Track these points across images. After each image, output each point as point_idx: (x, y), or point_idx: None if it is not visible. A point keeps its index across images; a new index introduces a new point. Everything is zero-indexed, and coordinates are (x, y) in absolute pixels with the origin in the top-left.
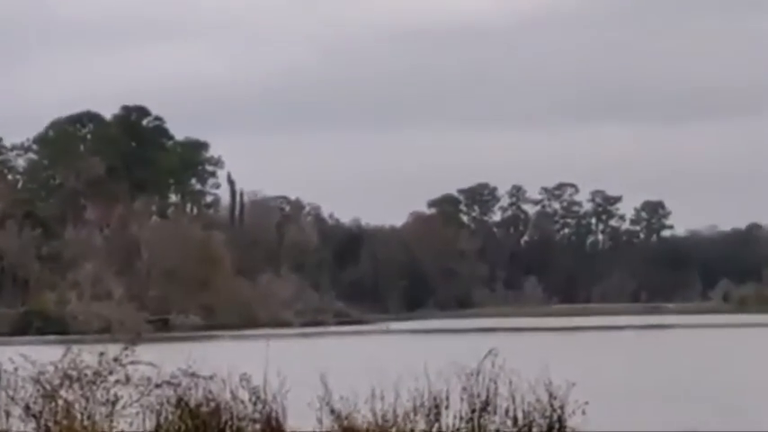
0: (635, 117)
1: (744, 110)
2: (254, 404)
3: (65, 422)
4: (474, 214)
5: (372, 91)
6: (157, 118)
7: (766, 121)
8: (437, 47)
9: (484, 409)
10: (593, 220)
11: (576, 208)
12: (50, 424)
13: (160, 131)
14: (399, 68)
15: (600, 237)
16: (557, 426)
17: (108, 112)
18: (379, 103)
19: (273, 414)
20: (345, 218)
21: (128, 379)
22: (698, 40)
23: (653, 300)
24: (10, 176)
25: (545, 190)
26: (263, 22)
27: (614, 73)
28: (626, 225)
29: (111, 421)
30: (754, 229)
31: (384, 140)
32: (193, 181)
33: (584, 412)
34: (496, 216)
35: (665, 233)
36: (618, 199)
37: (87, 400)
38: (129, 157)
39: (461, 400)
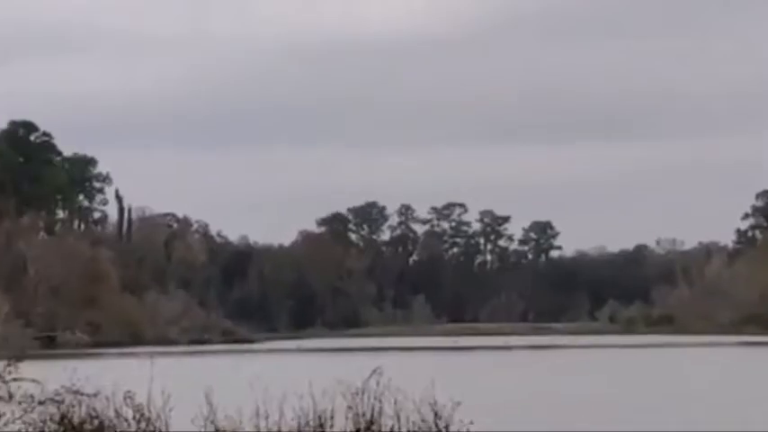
0: (524, 138)
1: (633, 132)
2: (138, 422)
3: None
4: (363, 233)
5: (262, 109)
6: (45, 134)
7: (655, 143)
8: (330, 65)
9: (368, 428)
10: (482, 240)
11: (464, 228)
12: None
13: (48, 147)
14: (290, 86)
15: (488, 257)
16: None
17: None
18: (268, 120)
19: None
20: (233, 236)
21: (10, 396)
22: (592, 63)
23: (541, 320)
24: None
25: (434, 209)
26: (153, 39)
27: (505, 94)
28: (514, 245)
29: None
30: (641, 249)
31: (273, 158)
32: (81, 197)
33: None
34: (385, 235)
35: (554, 253)
36: (506, 219)
37: None
38: (16, 173)
39: (346, 418)
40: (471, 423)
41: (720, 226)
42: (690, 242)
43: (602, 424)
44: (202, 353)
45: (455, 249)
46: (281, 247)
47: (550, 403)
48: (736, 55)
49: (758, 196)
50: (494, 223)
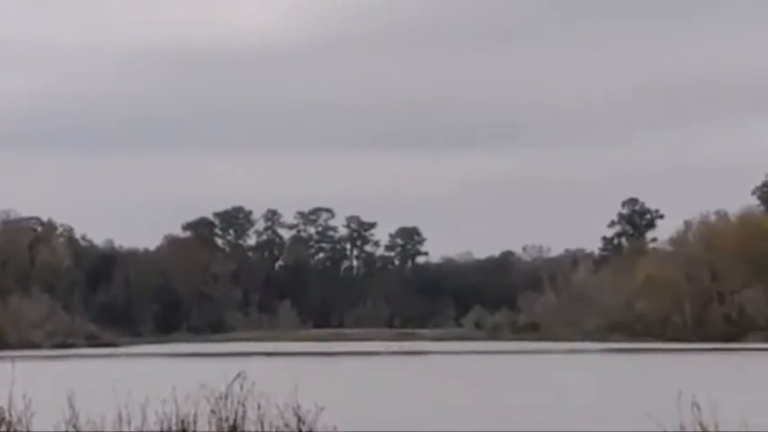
0: (393, 145)
1: (501, 141)
2: None
3: None
4: (229, 238)
5: (128, 114)
6: None
7: (522, 151)
8: (198, 71)
9: None
10: (348, 246)
11: (331, 233)
12: None
13: None
14: (156, 92)
15: (355, 262)
16: None
17: None
18: (134, 126)
19: None
20: (99, 239)
21: None
22: (465, 74)
23: (407, 326)
24: None
25: (300, 214)
26: (28, 38)
27: (375, 102)
28: (380, 251)
29: None
30: (507, 256)
31: (139, 163)
32: None
33: None
34: (251, 240)
35: (420, 260)
36: (373, 225)
37: None
38: None
39: (209, 423)
40: (335, 428)
41: (587, 234)
42: (556, 249)
43: (464, 427)
44: (66, 357)
45: (321, 254)
46: (146, 251)
47: (415, 408)
48: (606, 66)
49: (624, 204)
50: (360, 229)
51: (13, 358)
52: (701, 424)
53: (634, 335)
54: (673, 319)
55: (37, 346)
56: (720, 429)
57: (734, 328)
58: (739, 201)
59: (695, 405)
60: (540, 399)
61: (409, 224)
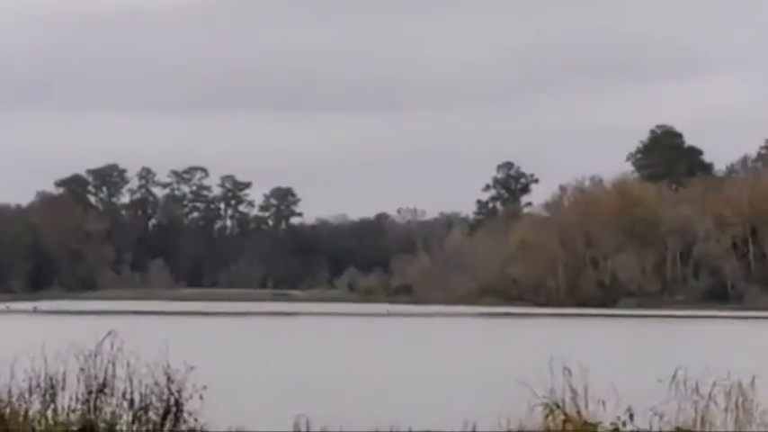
0: (268, 105)
1: (377, 104)
2: None
3: None
4: (102, 196)
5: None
6: None
7: (401, 113)
8: (65, 31)
9: (101, 390)
10: (222, 205)
11: (205, 192)
12: None
13: None
14: (26, 52)
15: (228, 222)
16: (174, 409)
17: None
18: (5, 85)
19: None
20: None
21: None
22: (343, 38)
23: (280, 286)
24: None
25: (174, 173)
26: None
27: (250, 63)
28: (255, 211)
29: None
30: (382, 219)
31: (12, 121)
32: None
33: (201, 397)
34: (125, 198)
35: (294, 220)
36: (247, 185)
37: None
38: None
39: (78, 381)
40: (204, 388)
41: (462, 198)
42: (431, 213)
43: (329, 387)
44: None
45: (195, 214)
46: (17, 207)
47: (286, 369)
48: (488, 32)
49: (499, 168)
50: (235, 188)
51: None
52: (571, 387)
53: (507, 299)
54: (546, 284)
55: None
56: (590, 392)
57: (606, 294)
58: (614, 167)
59: (566, 369)
60: (409, 361)
61: (284, 185)
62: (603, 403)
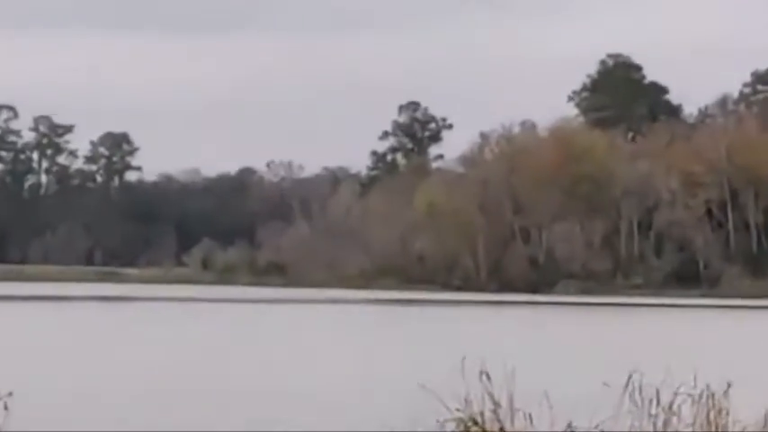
0: (96, 20)
1: (245, 21)
2: None
3: None
4: None
5: None
6: None
7: (271, 35)
8: None
9: None
10: (36, 156)
11: (12, 138)
12: None
13: None
14: None
15: (44, 177)
16: None
17: None
18: None
19: None
20: None
21: None
22: None
23: (111, 263)
24: None
25: None
26: None
27: None
28: (79, 164)
29: None
30: (247, 175)
31: None
32: None
33: (6, 406)
34: None
35: (131, 176)
36: (69, 129)
37: None
38: None
39: None
40: (11, 395)
41: (352, 148)
42: (311, 167)
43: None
44: None
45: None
46: None
47: (109, 371)
48: None
49: (401, 110)
50: (52, 133)
51: None
52: (491, 397)
53: (411, 282)
54: (462, 262)
55: None
56: (515, 403)
57: (541, 276)
58: (553, 110)
59: (484, 373)
60: (274, 363)
61: (117, 130)
62: (531, 418)
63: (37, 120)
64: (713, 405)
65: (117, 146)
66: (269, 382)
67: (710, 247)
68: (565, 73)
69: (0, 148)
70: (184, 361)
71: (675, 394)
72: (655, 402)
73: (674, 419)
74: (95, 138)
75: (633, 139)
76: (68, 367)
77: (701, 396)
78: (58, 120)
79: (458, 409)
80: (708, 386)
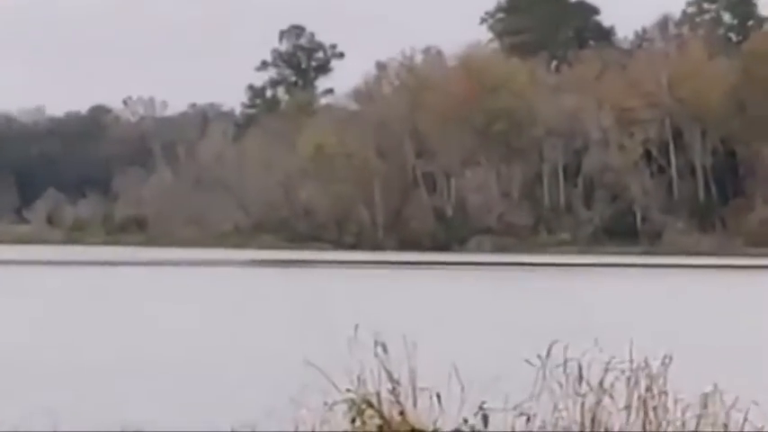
0: None
1: None
2: None
3: None
4: None
5: None
6: None
7: None
8: None
9: None
10: None
11: None
12: None
13: None
14: None
15: None
16: None
17: None
18: None
19: None
20: None
21: None
22: None
23: None
24: None
25: None
26: None
27: None
28: None
29: None
30: (99, 114)
31: None
32: None
33: None
34: None
35: None
36: None
37: None
38: None
39: None
40: None
41: (224, 82)
42: (177, 104)
43: None
44: None
45: None
46: None
47: None
48: None
49: (283, 35)
50: None
51: None
52: (389, 374)
53: (295, 239)
54: (356, 215)
55: None
56: (418, 382)
57: (449, 231)
58: (462, 34)
59: (380, 345)
60: (127, 337)
61: None
62: (440, 397)
63: None
64: (650, 381)
65: None
66: (118, 356)
67: (650, 196)
68: None
69: None
70: (18, 334)
71: (606, 370)
72: (582, 380)
73: (606, 399)
74: None
75: (557, 68)
76: None
77: (635, 371)
78: None
79: (349, 389)
80: (645, 360)
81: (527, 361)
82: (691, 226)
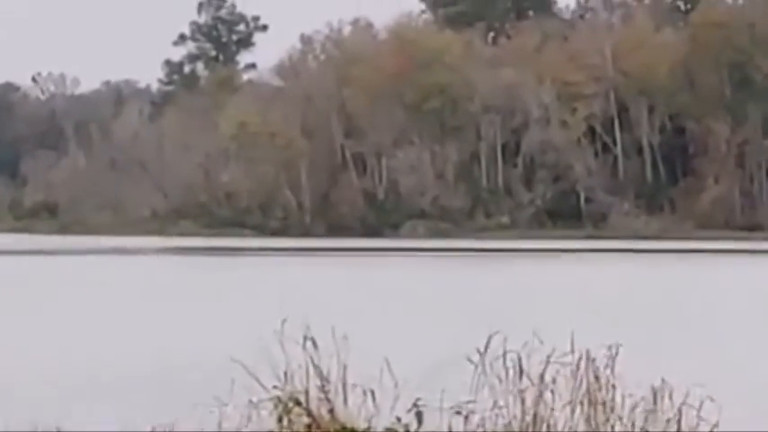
0: None
1: None
2: None
3: None
4: None
5: None
6: None
7: None
8: None
9: None
10: None
11: None
12: None
13: None
14: None
15: None
16: None
17: None
18: None
19: None
20: None
21: None
22: None
23: None
24: None
25: None
26: None
27: None
28: None
29: None
30: (7, 92)
31: None
32: None
33: None
34: None
35: None
36: None
37: None
38: None
39: None
40: None
41: (140, 57)
42: (90, 82)
43: None
44: None
45: None
46: None
47: None
48: None
49: (201, 7)
50: None
51: None
52: (317, 369)
53: (216, 225)
54: (281, 198)
55: None
56: (349, 378)
57: (380, 215)
58: (391, 5)
59: (309, 339)
60: (32, 332)
61: None
62: (373, 394)
63: None
64: (595, 375)
65: None
66: (28, 352)
67: (594, 176)
68: None
69: None
70: None
71: (548, 362)
72: (523, 374)
73: (548, 394)
74: None
75: (495, 40)
76: None
77: (579, 364)
78: None
79: (275, 387)
80: (588, 352)
81: (468, 359)
82: (638, 208)
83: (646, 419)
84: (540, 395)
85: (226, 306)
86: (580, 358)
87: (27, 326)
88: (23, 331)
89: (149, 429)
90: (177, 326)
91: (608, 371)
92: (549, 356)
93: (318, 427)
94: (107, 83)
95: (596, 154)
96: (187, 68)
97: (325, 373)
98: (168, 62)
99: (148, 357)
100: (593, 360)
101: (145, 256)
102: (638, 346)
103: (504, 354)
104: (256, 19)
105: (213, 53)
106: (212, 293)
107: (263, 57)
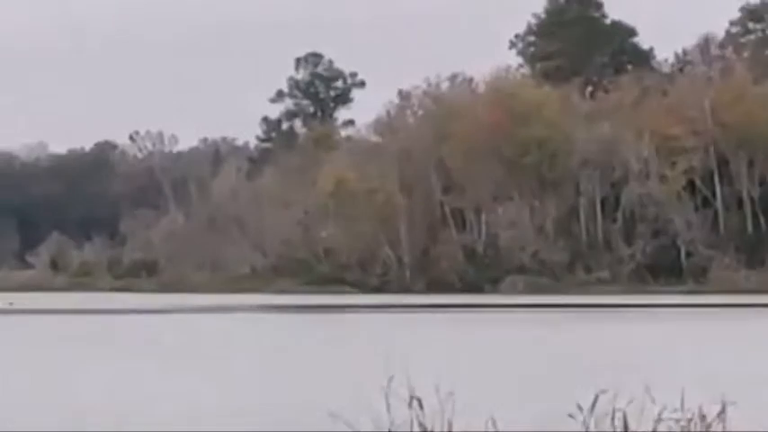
0: None
1: None
2: None
3: None
4: None
5: None
6: None
7: None
8: None
9: None
10: None
11: None
12: None
13: None
14: None
15: None
16: None
17: None
18: None
19: None
20: None
21: None
22: None
23: None
24: None
25: None
26: None
27: None
28: None
29: None
30: (105, 150)
31: None
32: None
33: None
34: None
35: None
36: None
37: None
38: None
39: None
40: None
41: (238, 114)
42: (187, 139)
43: None
44: None
45: None
46: None
47: None
48: None
49: (299, 63)
50: None
51: None
52: (423, 426)
53: (316, 282)
54: (380, 255)
55: None
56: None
57: (480, 270)
58: (491, 59)
59: (415, 399)
60: (131, 390)
61: None
62: None
63: None
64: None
65: None
66: (129, 409)
67: (694, 229)
68: (504, 13)
69: None
70: (22, 384)
71: (658, 420)
72: (631, 431)
73: None
74: None
75: (592, 94)
76: None
77: (690, 421)
78: None
79: None
80: (699, 408)
81: (570, 415)
82: (738, 262)
83: None
84: None
85: (326, 363)
86: (692, 415)
87: (129, 380)
88: (126, 385)
89: None
90: (278, 382)
91: (718, 425)
92: (659, 414)
93: None
94: (205, 140)
95: (696, 208)
96: (285, 125)
97: (430, 429)
98: (266, 119)
99: (249, 414)
100: (704, 417)
101: (244, 314)
102: (749, 401)
103: (613, 411)
104: (354, 75)
105: (311, 110)
106: (312, 352)
107: (361, 112)
